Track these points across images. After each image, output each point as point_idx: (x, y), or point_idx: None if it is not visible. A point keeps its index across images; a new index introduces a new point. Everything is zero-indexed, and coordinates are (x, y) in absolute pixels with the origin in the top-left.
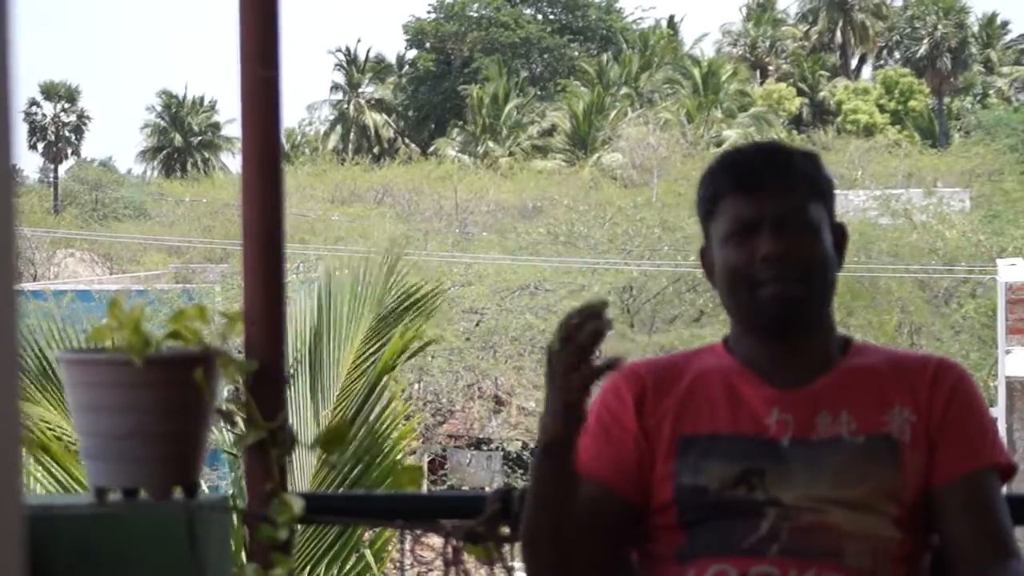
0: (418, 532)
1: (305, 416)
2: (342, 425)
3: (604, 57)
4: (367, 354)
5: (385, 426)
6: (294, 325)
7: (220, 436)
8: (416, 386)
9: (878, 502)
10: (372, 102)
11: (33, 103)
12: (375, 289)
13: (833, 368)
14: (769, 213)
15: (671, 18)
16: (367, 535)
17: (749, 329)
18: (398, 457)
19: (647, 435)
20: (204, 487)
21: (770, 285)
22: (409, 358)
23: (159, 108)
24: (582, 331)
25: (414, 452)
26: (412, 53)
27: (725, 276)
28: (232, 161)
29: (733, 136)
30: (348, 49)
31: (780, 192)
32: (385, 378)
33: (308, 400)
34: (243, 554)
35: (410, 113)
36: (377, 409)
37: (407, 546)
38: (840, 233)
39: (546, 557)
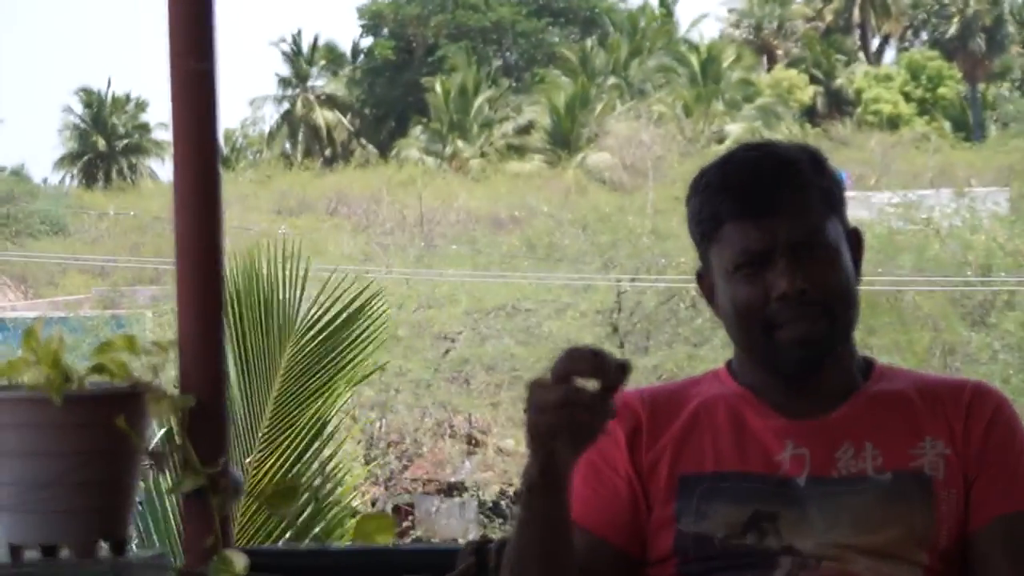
0: None
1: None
2: (294, 480)
3: (588, 42)
4: (295, 387)
5: (330, 468)
6: None
7: (152, 484)
8: (378, 424)
9: (908, 550)
10: (323, 98)
11: None
12: (289, 306)
13: (855, 395)
14: (782, 240)
15: None
16: None
17: (767, 373)
18: (353, 503)
19: (642, 476)
20: (134, 543)
21: (789, 327)
22: (354, 385)
23: (78, 108)
24: (581, 373)
25: (375, 502)
26: (368, 41)
27: (735, 315)
28: (162, 168)
29: (737, 131)
30: (295, 37)
31: (794, 214)
32: (328, 413)
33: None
34: None
35: (366, 110)
36: (318, 447)
37: None
38: (855, 240)
39: None
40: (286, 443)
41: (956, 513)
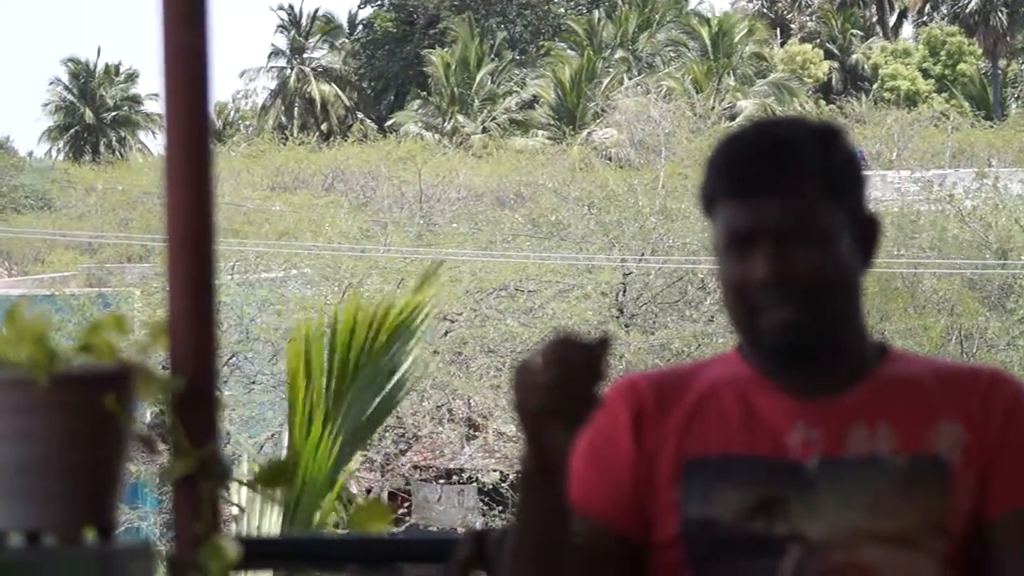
0: None
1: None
2: (287, 460)
3: (595, 14)
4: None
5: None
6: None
7: (141, 468)
8: None
9: (923, 536)
10: (319, 70)
11: None
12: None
13: (868, 377)
14: (768, 224)
15: None
16: None
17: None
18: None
19: (647, 459)
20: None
21: (769, 311)
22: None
23: (66, 79)
24: (572, 361)
25: (369, 490)
26: (367, 12)
27: (724, 291)
28: (153, 141)
29: (749, 107)
30: (291, 6)
31: (782, 196)
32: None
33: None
34: None
35: (364, 83)
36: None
37: None
38: (871, 227)
39: None
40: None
41: (973, 501)
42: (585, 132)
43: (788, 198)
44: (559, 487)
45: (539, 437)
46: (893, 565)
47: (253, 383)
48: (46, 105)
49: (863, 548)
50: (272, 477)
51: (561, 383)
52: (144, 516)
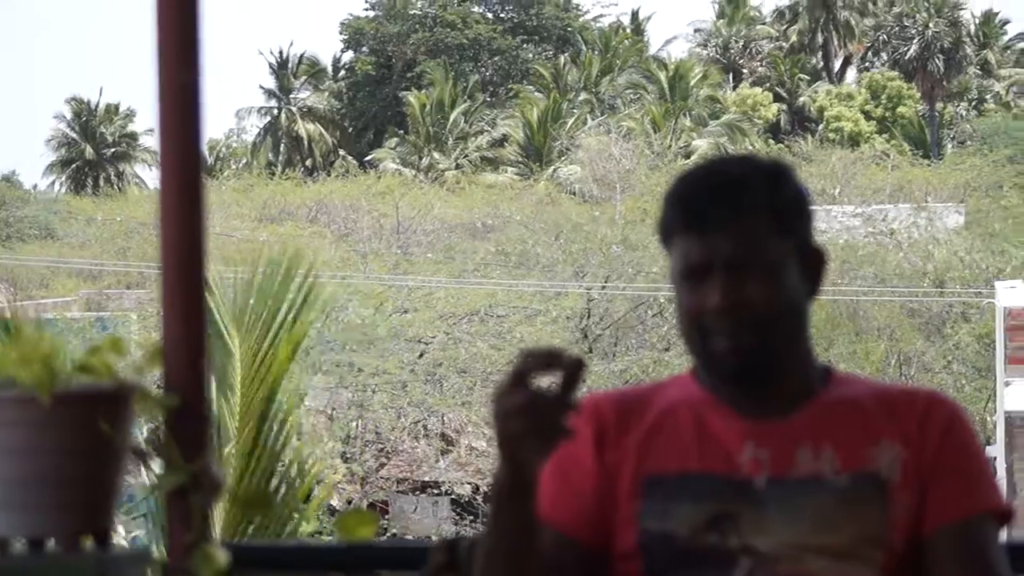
0: None
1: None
2: (265, 490)
3: (561, 59)
4: (258, 369)
5: (290, 458)
6: None
7: (137, 481)
8: (355, 424)
9: (863, 548)
10: (305, 110)
11: None
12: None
13: (813, 399)
14: (720, 256)
15: (635, 15)
16: None
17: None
18: (319, 495)
19: (608, 474)
20: (124, 535)
21: (721, 338)
22: (297, 346)
23: (69, 117)
24: (536, 371)
25: (350, 501)
26: (349, 56)
27: (680, 318)
28: (149, 175)
29: (703, 146)
30: (280, 51)
31: (733, 231)
32: (283, 399)
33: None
34: None
35: (347, 123)
36: (282, 438)
37: None
38: (817, 258)
39: None
40: (252, 431)
41: (910, 515)
42: (551, 169)
43: (740, 232)
44: (529, 503)
45: (512, 455)
46: (835, 573)
47: None
48: (49, 141)
49: (808, 560)
50: (251, 504)
51: (532, 401)
52: (140, 525)
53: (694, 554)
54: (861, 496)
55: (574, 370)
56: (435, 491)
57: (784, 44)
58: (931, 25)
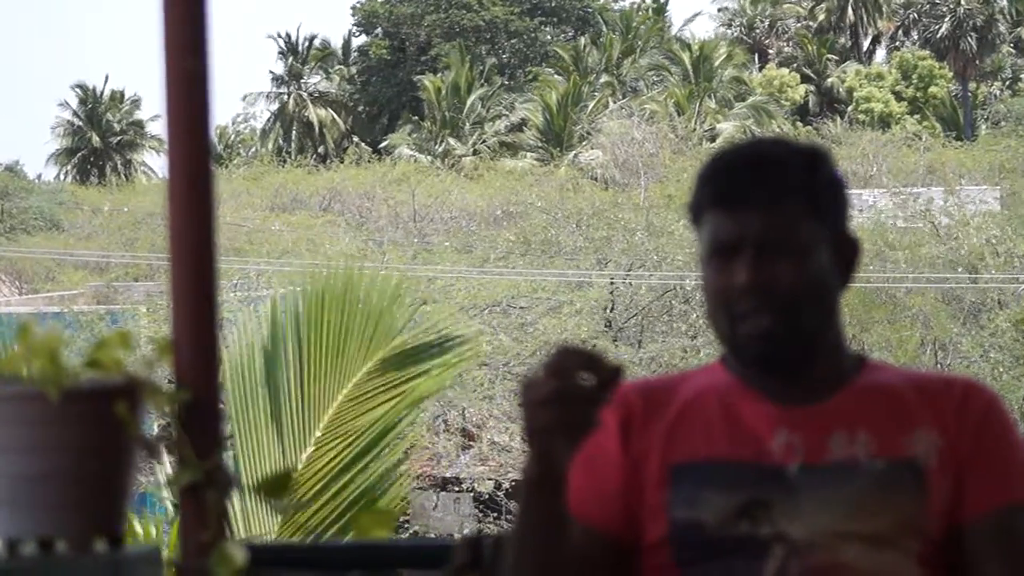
0: None
1: (270, 458)
2: (286, 472)
3: (581, 41)
4: (368, 393)
5: (383, 478)
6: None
7: (149, 479)
8: None
9: (900, 536)
10: (316, 95)
11: None
12: (380, 319)
13: (846, 385)
14: (751, 234)
15: None
16: None
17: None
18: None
19: (634, 464)
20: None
21: (749, 320)
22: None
23: (73, 104)
24: (572, 370)
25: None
26: (361, 39)
27: (707, 299)
28: (157, 163)
29: (728, 129)
30: (288, 35)
31: (766, 209)
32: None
33: (274, 440)
34: None
35: (360, 108)
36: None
37: None
38: (850, 247)
39: None
40: (337, 447)
41: (947, 503)
42: (572, 154)
43: (772, 212)
44: (559, 496)
45: (542, 449)
46: (871, 564)
47: None
48: (55, 128)
49: (843, 548)
50: (275, 486)
51: (564, 392)
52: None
53: (725, 543)
54: (898, 482)
55: (612, 375)
56: (456, 488)
57: (811, 23)
58: (963, 2)
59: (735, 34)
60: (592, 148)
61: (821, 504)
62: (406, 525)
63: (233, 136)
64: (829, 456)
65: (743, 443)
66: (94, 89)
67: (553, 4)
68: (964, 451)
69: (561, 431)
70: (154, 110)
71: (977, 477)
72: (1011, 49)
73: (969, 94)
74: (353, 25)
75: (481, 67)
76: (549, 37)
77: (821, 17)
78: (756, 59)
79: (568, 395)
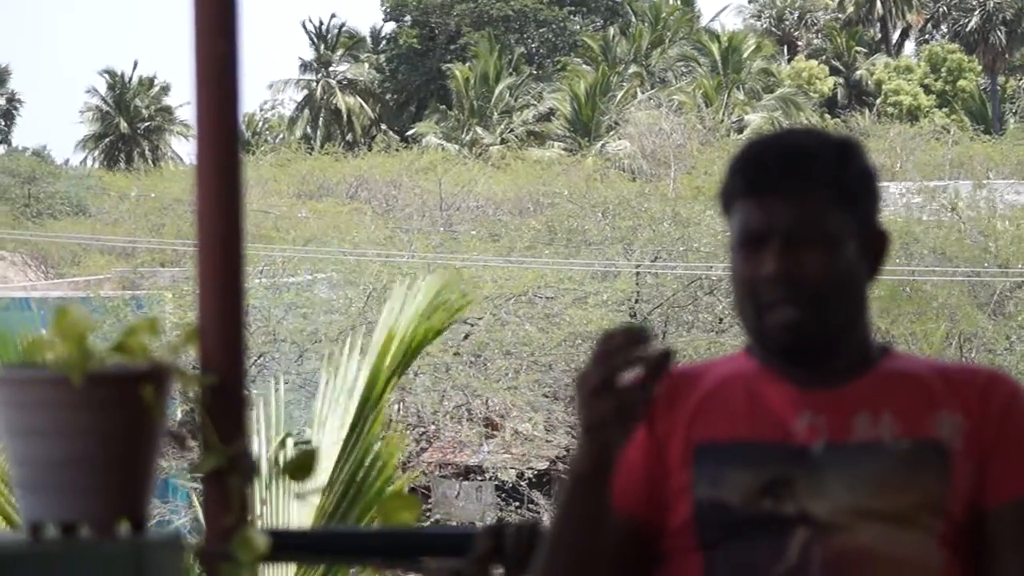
0: (399, 572)
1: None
2: (310, 452)
3: (610, 31)
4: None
5: (374, 451)
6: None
7: (171, 464)
8: (397, 407)
9: (923, 516)
10: (344, 83)
11: None
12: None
13: (870, 371)
14: (779, 225)
15: None
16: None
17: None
18: (387, 487)
19: (658, 446)
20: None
21: (776, 310)
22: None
23: (102, 90)
24: (619, 353)
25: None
26: (390, 27)
27: (734, 288)
28: (184, 149)
29: (756, 121)
30: (318, 21)
31: (795, 200)
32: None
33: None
34: None
35: (388, 96)
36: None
37: None
38: (879, 240)
39: None
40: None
41: (971, 486)
42: (599, 144)
43: (802, 202)
44: (606, 488)
45: (600, 442)
46: (894, 543)
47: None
48: (82, 113)
49: (866, 526)
50: (299, 468)
51: (611, 381)
52: (176, 510)
53: (749, 522)
54: (922, 462)
55: (662, 361)
56: (479, 476)
57: (840, 15)
58: None
59: (764, 26)
60: (620, 139)
61: (845, 482)
62: (429, 512)
63: (261, 123)
64: (853, 436)
65: (767, 424)
66: (122, 75)
67: None
68: (988, 437)
69: (616, 420)
70: (183, 96)
71: (1000, 466)
72: None
73: (998, 88)
74: (383, 13)
75: (510, 56)
76: (578, 27)
77: (850, 9)
78: (785, 51)
79: (614, 385)
